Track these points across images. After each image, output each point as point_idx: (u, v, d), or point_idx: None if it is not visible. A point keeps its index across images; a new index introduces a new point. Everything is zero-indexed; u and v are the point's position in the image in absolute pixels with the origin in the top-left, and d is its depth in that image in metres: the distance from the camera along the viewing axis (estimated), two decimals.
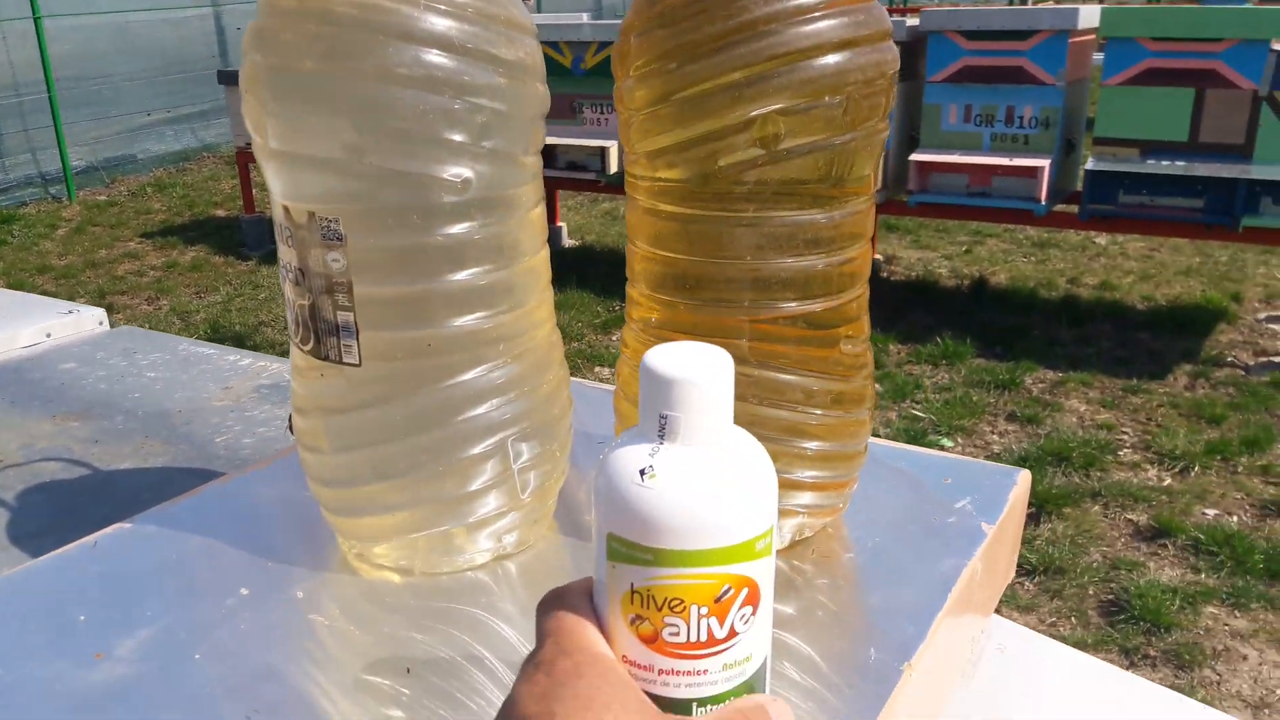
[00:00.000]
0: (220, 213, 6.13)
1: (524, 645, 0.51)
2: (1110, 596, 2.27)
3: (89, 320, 1.15)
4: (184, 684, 0.49)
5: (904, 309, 4.03)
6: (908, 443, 0.77)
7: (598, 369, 3.51)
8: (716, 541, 0.36)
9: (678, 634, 0.36)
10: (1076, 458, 2.81)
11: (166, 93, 7.29)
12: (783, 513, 0.59)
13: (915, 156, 3.47)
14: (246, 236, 5.28)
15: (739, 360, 0.54)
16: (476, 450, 0.55)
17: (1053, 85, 3.23)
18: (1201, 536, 2.43)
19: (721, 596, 0.36)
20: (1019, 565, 2.37)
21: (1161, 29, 2.99)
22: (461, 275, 0.51)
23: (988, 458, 2.85)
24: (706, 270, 0.53)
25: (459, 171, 0.49)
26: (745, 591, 0.36)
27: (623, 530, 0.36)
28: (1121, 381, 3.29)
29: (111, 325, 1.17)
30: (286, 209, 0.50)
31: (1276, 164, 3.02)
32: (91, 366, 1.02)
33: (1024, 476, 0.69)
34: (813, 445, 0.57)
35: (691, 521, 0.35)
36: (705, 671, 0.37)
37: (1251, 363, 3.39)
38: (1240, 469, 2.75)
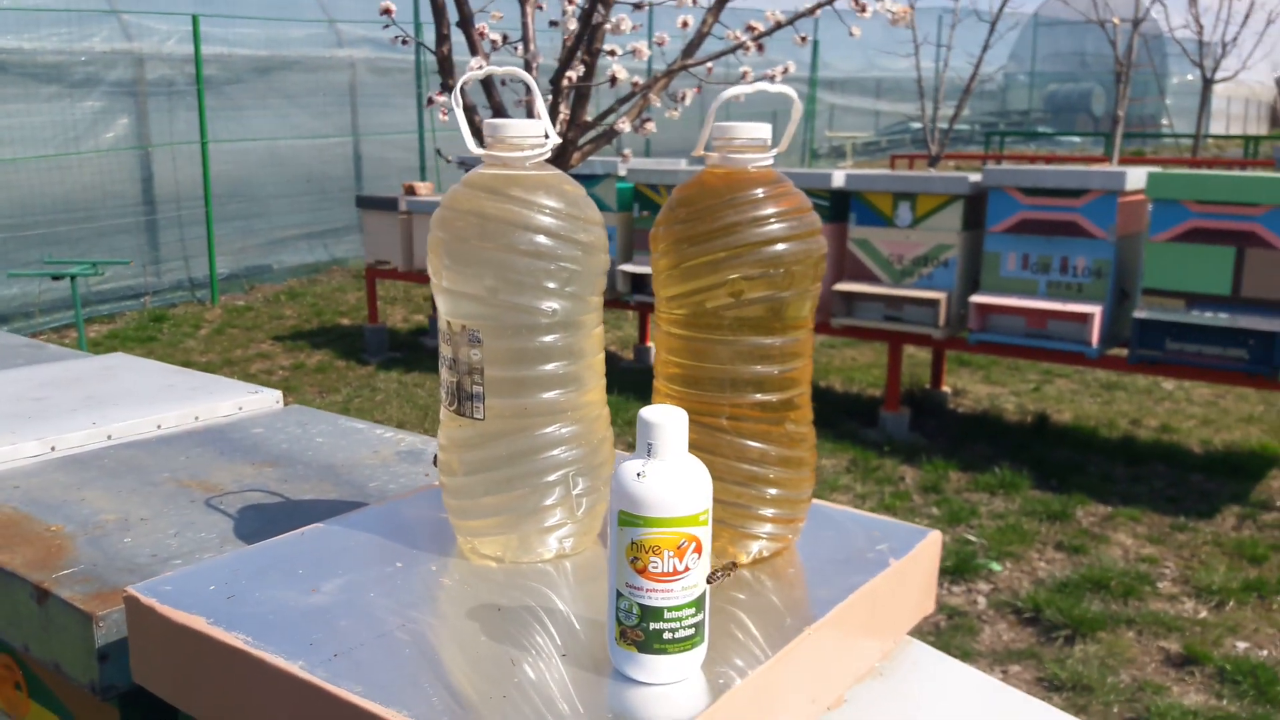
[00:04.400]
0: (345, 321, 6.70)
1: (571, 613, 0.81)
2: (1133, 715, 2.42)
3: (269, 399, 1.51)
4: (365, 608, 0.81)
5: (967, 439, 4.25)
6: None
7: None
8: (679, 512, 0.66)
9: (657, 566, 0.67)
10: (1116, 586, 2.97)
11: (305, 209, 8.05)
12: (748, 537, 0.88)
13: (975, 298, 3.75)
14: (368, 344, 5.79)
15: (720, 430, 0.85)
16: (550, 479, 0.86)
17: (1104, 239, 3.51)
18: (1228, 666, 2.57)
19: (682, 545, 0.67)
20: (1047, 680, 2.56)
21: (1204, 193, 3.27)
22: (548, 367, 0.84)
23: (1033, 584, 3.04)
24: (701, 372, 0.85)
25: (552, 305, 0.82)
26: (695, 544, 0.67)
27: (628, 507, 0.67)
28: (1170, 519, 3.44)
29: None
30: (449, 322, 0.83)
31: None
32: (274, 432, 1.38)
33: (934, 535, 0.97)
34: (770, 490, 0.87)
35: (666, 501, 0.66)
36: (671, 590, 0.67)
37: None
38: (1275, 606, 2.88)
